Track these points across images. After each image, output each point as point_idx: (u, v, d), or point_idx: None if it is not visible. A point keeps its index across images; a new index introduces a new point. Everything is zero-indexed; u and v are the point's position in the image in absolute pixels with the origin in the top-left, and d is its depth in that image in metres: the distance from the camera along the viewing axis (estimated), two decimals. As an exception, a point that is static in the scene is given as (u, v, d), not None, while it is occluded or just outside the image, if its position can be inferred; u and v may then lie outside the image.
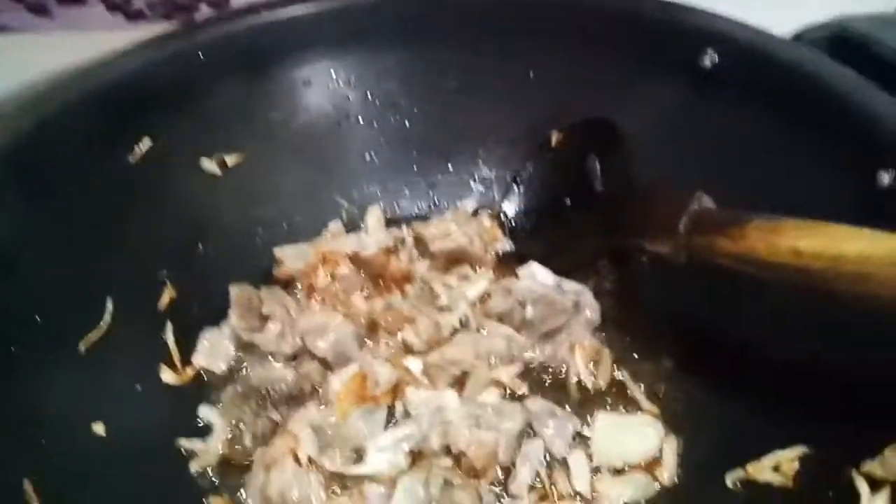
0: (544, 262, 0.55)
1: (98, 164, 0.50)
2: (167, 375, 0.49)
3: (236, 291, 0.51)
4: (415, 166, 0.64)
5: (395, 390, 0.46)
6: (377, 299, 0.53)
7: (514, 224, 0.61)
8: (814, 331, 0.42)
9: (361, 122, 0.63)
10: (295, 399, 0.46)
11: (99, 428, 0.43)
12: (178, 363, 0.50)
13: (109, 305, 0.48)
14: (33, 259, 0.44)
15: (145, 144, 0.53)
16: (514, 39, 0.60)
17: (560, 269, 0.54)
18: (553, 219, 0.59)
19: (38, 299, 0.44)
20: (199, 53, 0.55)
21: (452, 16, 0.60)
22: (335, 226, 0.61)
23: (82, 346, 0.45)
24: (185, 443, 0.46)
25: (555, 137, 0.62)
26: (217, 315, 0.54)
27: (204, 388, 0.50)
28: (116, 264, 0.50)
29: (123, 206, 0.52)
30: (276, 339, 0.49)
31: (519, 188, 0.62)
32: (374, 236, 0.58)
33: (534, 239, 0.59)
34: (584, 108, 0.60)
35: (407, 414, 0.45)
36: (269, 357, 0.50)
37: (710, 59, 0.53)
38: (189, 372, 0.50)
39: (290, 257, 0.56)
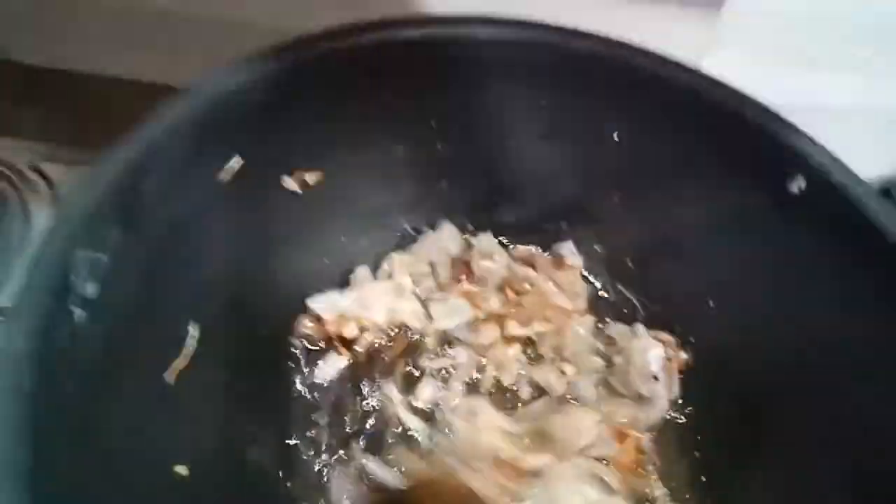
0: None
1: (190, 186, 0.51)
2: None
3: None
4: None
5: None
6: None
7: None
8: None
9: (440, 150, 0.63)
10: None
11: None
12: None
13: (194, 331, 0.51)
14: (123, 289, 0.46)
15: (236, 163, 0.54)
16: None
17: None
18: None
19: (126, 329, 0.46)
20: (290, 74, 0.53)
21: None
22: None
23: (169, 377, 0.49)
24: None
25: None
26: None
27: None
28: (197, 286, 0.53)
29: (207, 225, 0.53)
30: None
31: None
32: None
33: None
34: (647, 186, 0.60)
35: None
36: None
37: (797, 185, 0.54)
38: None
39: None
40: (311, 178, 0.59)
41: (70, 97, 0.82)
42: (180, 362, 0.49)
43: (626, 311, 0.65)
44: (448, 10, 0.56)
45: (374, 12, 0.55)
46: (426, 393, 0.58)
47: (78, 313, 0.42)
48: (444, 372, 0.60)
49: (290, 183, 0.58)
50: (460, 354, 0.60)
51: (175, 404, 0.48)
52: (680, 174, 0.57)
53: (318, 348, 0.60)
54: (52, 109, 0.81)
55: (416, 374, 0.60)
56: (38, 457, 0.36)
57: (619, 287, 0.65)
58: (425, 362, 0.60)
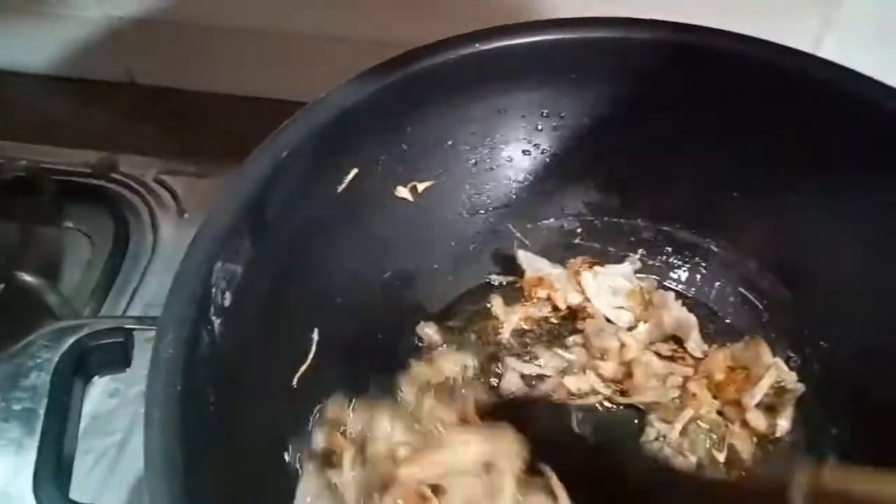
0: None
1: (312, 198, 0.53)
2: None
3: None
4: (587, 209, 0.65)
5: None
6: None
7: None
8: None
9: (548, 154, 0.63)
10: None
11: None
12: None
13: (316, 336, 0.54)
14: (253, 298, 0.48)
15: (352, 174, 0.55)
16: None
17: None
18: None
19: (256, 336, 0.48)
20: (405, 87, 0.54)
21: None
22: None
23: (295, 381, 0.51)
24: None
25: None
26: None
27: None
28: (318, 292, 0.55)
29: (327, 235, 0.55)
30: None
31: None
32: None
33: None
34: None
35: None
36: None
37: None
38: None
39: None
40: (421, 186, 0.60)
41: (187, 114, 0.87)
42: (304, 366, 0.52)
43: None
44: (567, 14, 0.56)
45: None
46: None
47: (216, 322, 0.44)
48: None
49: (402, 192, 0.59)
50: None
51: (299, 405, 0.50)
52: (809, 173, 0.54)
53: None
54: (172, 126, 0.86)
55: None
56: (187, 456, 0.38)
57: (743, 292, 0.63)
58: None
